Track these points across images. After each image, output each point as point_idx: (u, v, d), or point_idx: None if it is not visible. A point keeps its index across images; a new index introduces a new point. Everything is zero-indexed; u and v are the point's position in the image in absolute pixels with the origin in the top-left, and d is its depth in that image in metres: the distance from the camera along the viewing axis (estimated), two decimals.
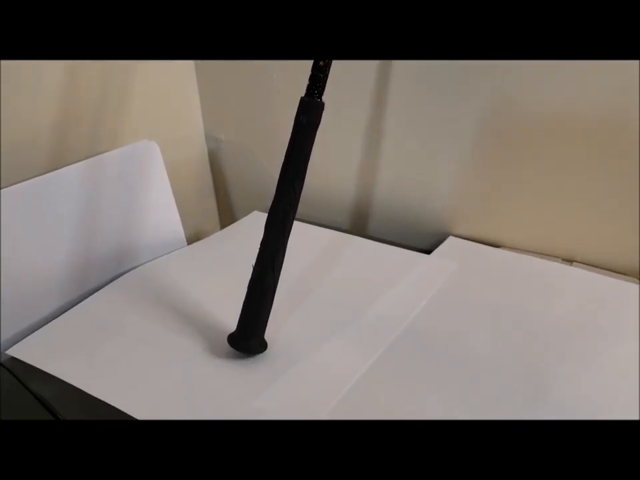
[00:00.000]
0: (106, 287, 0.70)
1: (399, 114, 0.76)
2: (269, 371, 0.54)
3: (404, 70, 0.73)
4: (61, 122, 0.70)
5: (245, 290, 0.54)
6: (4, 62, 0.60)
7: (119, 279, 0.71)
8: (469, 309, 0.62)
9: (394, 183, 0.81)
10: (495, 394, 0.50)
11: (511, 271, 0.69)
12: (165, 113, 0.86)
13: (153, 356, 0.57)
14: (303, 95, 0.52)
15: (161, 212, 0.78)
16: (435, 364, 0.54)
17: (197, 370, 0.54)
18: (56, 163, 0.68)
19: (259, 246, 0.53)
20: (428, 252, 0.75)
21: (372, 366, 0.54)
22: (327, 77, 0.51)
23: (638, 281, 0.66)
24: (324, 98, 0.52)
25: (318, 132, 0.52)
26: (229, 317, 0.56)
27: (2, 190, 0.60)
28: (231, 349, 0.55)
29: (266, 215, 0.53)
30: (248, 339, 0.55)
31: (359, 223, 0.88)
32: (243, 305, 0.54)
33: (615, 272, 0.69)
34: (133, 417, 0.47)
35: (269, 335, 0.56)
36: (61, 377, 0.53)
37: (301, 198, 0.52)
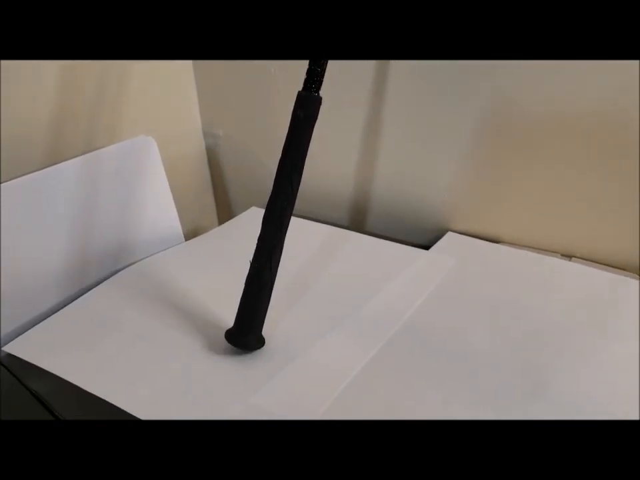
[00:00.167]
0: (103, 283, 0.69)
1: (399, 109, 0.76)
2: (267, 367, 0.53)
3: (404, 66, 0.73)
4: (59, 118, 0.70)
5: (243, 286, 0.54)
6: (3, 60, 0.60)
7: (117, 275, 0.71)
8: (468, 304, 0.62)
9: (392, 178, 0.81)
10: (493, 389, 0.50)
11: (510, 267, 0.69)
12: (163, 108, 0.86)
13: (151, 352, 0.56)
14: (301, 89, 0.51)
15: (158, 208, 0.78)
16: (434, 359, 0.54)
17: (194, 366, 0.54)
18: (53, 158, 0.68)
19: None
20: (426, 247, 0.74)
21: (370, 362, 0.54)
22: (324, 71, 0.51)
23: (638, 276, 0.66)
24: (323, 93, 0.51)
25: (316, 127, 0.51)
26: (227, 313, 0.56)
27: None
28: (229, 345, 0.55)
29: (264, 210, 0.52)
30: (245, 335, 0.55)
31: (357, 219, 0.87)
32: (240, 301, 0.54)
33: (614, 267, 0.69)
34: (131, 414, 0.47)
35: (266, 330, 0.55)
36: (58, 374, 0.53)
37: (298, 193, 0.52)
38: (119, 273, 0.71)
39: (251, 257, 0.53)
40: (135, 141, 0.73)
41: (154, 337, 0.58)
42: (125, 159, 0.73)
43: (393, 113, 0.77)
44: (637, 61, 0.58)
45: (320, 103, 0.51)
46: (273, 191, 0.52)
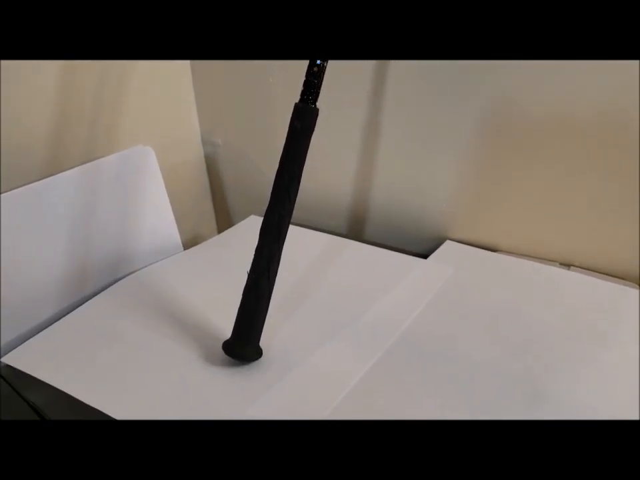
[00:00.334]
0: (102, 292, 0.69)
1: (396, 119, 0.76)
2: (264, 378, 0.53)
3: (402, 73, 0.73)
4: (57, 127, 0.70)
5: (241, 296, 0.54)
6: (3, 64, 0.60)
7: (115, 284, 0.71)
8: (466, 313, 0.62)
9: (391, 187, 0.81)
10: (492, 399, 0.50)
11: (508, 275, 0.69)
12: (162, 117, 0.86)
13: (148, 363, 0.56)
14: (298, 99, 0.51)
15: (157, 217, 0.78)
16: (432, 368, 0.54)
17: (192, 377, 0.54)
18: (52, 168, 0.68)
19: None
20: (425, 256, 0.74)
21: (369, 371, 0.54)
22: (321, 83, 0.51)
23: (637, 285, 0.66)
24: (321, 101, 0.51)
25: (314, 135, 0.51)
26: (225, 324, 0.56)
27: None
28: (226, 356, 0.55)
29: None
30: (243, 346, 0.54)
31: (355, 228, 0.87)
32: (238, 312, 0.54)
33: (613, 276, 0.68)
34: None
35: (264, 341, 0.55)
36: (56, 385, 0.52)
37: (297, 202, 0.52)
38: (118, 282, 0.71)
39: (249, 266, 0.53)
40: (133, 151, 0.74)
41: (152, 348, 0.58)
42: (124, 168, 0.73)
43: (390, 121, 0.77)
44: (637, 61, 0.58)
45: (317, 115, 0.51)
46: (270, 202, 0.52)
